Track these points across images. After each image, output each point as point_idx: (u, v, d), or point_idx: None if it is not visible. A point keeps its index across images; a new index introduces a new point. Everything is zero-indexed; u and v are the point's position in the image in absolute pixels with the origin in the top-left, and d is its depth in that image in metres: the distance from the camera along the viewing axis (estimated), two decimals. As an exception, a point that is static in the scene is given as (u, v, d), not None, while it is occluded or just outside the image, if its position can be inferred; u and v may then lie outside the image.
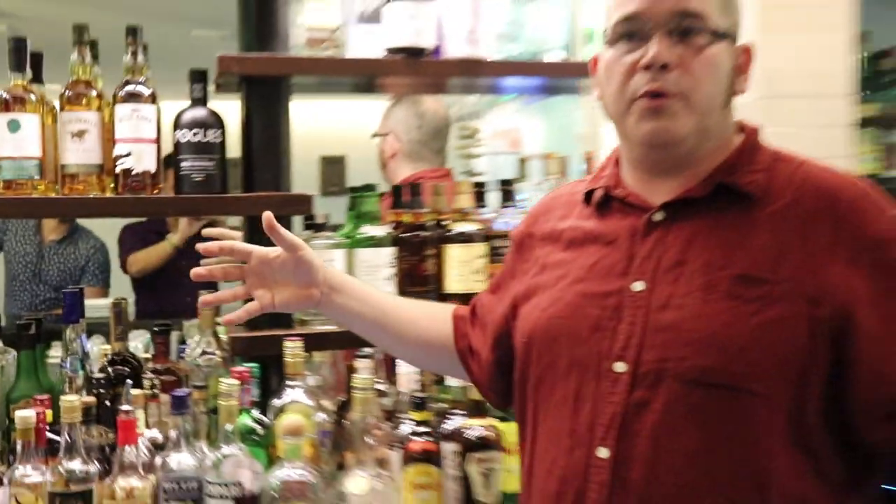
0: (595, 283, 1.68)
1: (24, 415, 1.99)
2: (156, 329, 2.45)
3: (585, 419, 1.60)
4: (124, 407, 2.04)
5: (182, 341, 2.68)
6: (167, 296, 4.68)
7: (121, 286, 5.03)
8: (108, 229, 4.99)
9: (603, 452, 1.56)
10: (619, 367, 1.58)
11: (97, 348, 2.54)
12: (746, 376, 1.50)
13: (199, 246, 1.96)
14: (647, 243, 1.64)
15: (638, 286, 1.61)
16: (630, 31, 1.62)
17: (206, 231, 2.46)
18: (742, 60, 1.68)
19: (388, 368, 2.47)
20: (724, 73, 1.64)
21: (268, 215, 1.82)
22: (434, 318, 2.05)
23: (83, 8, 3.31)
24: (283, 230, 1.87)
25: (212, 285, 4.46)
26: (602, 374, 1.60)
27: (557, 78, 2.66)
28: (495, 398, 2.06)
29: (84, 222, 5.06)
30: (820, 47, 2.42)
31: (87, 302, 2.78)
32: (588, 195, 1.79)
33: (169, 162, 2.43)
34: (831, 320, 1.50)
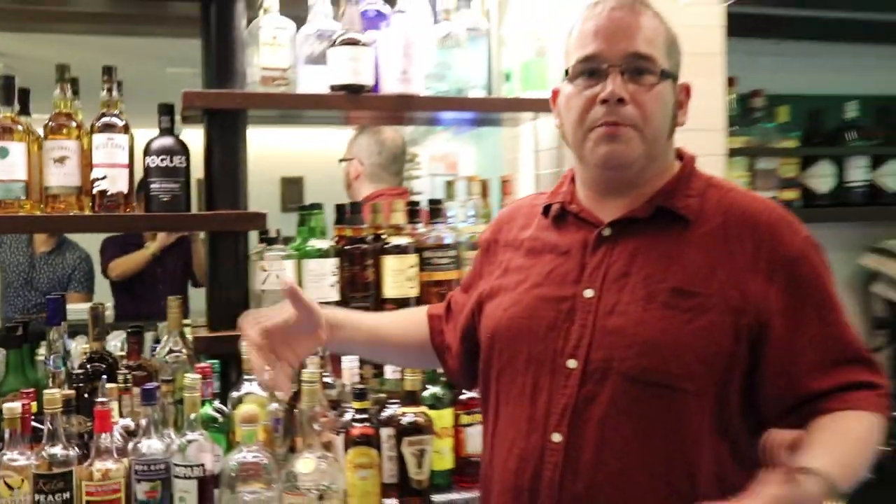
0: (551, 288, 1.76)
1: (11, 406, 2.05)
2: (129, 330, 2.52)
3: (542, 408, 1.68)
4: (100, 399, 2.10)
5: (157, 340, 2.72)
6: (143, 299, 4.81)
7: (102, 292, 5.08)
8: (91, 241, 5.05)
9: (556, 437, 1.64)
10: (572, 363, 1.66)
11: (80, 347, 2.58)
12: (679, 376, 1.60)
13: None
14: (597, 255, 1.73)
15: (588, 293, 1.70)
16: (589, 70, 1.70)
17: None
18: (682, 97, 1.79)
19: (334, 363, 2.54)
20: (669, 108, 1.73)
21: (292, 289, 1.83)
22: (414, 322, 2.12)
23: (71, 49, 3.42)
24: (302, 294, 1.86)
25: (183, 288, 4.62)
26: (556, 369, 1.68)
27: (479, 112, 2.76)
28: (465, 383, 2.19)
29: (69, 236, 5.09)
30: (700, 90, 2.54)
31: (72, 306, 2.79)
32: (546, 209, 1.87)
33: (142, 184, 2.50)
34: (751, 328, 1.61)
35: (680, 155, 1.83)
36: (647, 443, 1.60)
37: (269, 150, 6.59)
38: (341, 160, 3.78)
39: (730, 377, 1.62)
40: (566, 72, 1.76)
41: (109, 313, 4.74)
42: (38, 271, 5.04)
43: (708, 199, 1.73)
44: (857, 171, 3.52)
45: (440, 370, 2.25)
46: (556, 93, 1.83)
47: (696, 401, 1.61)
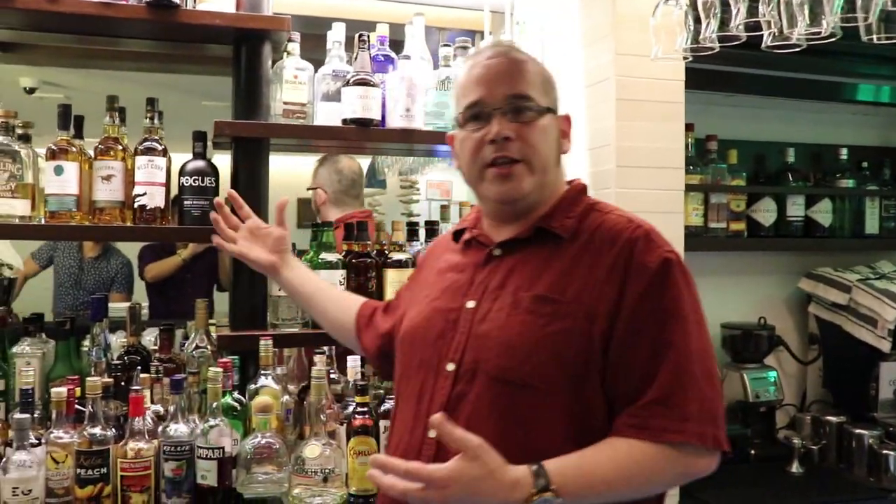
0: (445, 301, 1.75)
1: (59, 391, 2.06)
2: (162, 328, 2.50)
3: (425, 407, 1.66)
4: (134, 387, 2.11)
5: (186, 337, 2.70)
6: (174, 300, 4.75)
7: (140, 293, 5.07)
8: (132, 249, 5.05)
9: (432, 434, 1.59)
10: (450, 366, 1.65)
11: (119, 341, 2.57)
12: (531, 375, 1.56)
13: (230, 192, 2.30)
14: (484, 272, 1.72)
15: (470, 304, 1.69)
16: (475, 115, 1.69)
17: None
18: (565, 126, 1.75)
19: (339, 362, 2.51)
20: (552, 139, 1.70)
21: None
22: (346, 309, 2.16)
23: (121, 83, 3.41)
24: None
25: (209, 292, 4.58)
26: (439, 372, 1.67)
27: None
28: (381, 374, 2.28)
29: (113, 244, 5.11)
30: (661, 132, 2.50)
31: (114, 305, 2.82)
32: (455, 235, 1.88)
33: (176, 201, 2.50)
34: (603, 333, 1.55)
35: (570, 183, 1.80)
36: (507, 436, 1.54)
37: (289, 174, 6.61)
38: (309, 189, 3.76)
39: (585, 379, 1.56)
40: (456, 119, 1.75)
41: (145, 312, 4.73)
42: (86, 274, 5.02)
43: (588, 220, 1.69)
44: (795, 208, 3.52)
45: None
46: (451, 138, 1.82)
47: (548, 399, 1.56)
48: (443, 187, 5.56)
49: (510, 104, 1.67)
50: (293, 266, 2.23)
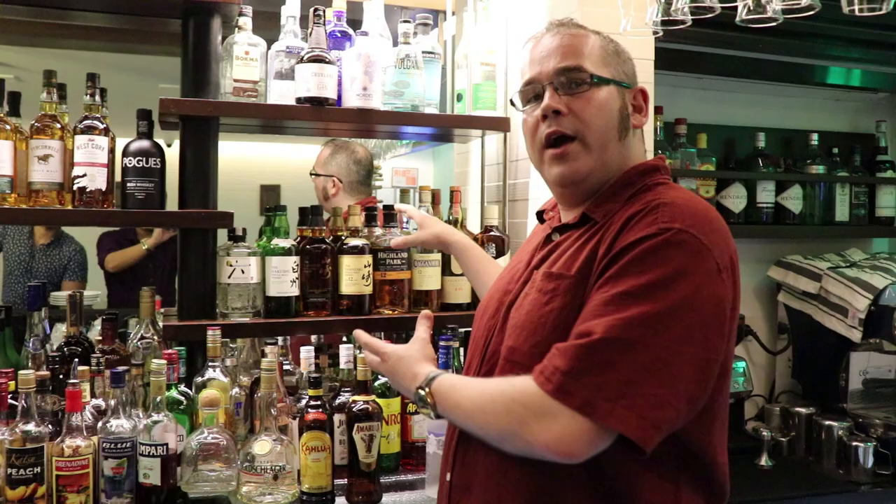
0: (504, 282, 1.73)
1: None
2: (104, 317, 2.40)
3: None
4: (71, 380, 2.02)
5: None
6: (134, 289, 4.66)
7: (97, 281, 5.01)
8: (88, 235, 4.97)
9: None
10: (485, 347, 1.64)
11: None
12: (533, 356, 1.47)
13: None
14: (539, 255, 1.67)
15: (517, 287, 1.65)
16: (530, 94, 1.65)
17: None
18: (638, 100, 1.66)
19: (294, 352, 2.46)
20: (611, 111, 1.60)
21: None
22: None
23: (74, 63, 3.29)
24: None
25: (172, 281, 4.46)
26: (481, 353, 1.65)
27: (431, 127, 2.66)
28: None
29: (66, 230, 5.02)
30: None
31: (56, 293, 2.77)
32: (538, 216, 1.85)
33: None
34: None
35: (642, 162, 1.66)
36: None
37: (251, 160, 6.54)
38: (314, 174, 3.65)
39: None
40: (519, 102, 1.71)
41: (103, 301, 4.64)
42: (37, 261, 4.93)
43: (631, 205, 1.54)
44: (765, 194, 3.48)
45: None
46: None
47: None
48: (409, 175, 5.47)
49: (559, 78, 1.61)
50: (457, 244, 2.30)
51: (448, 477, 1.66)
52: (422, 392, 1.58)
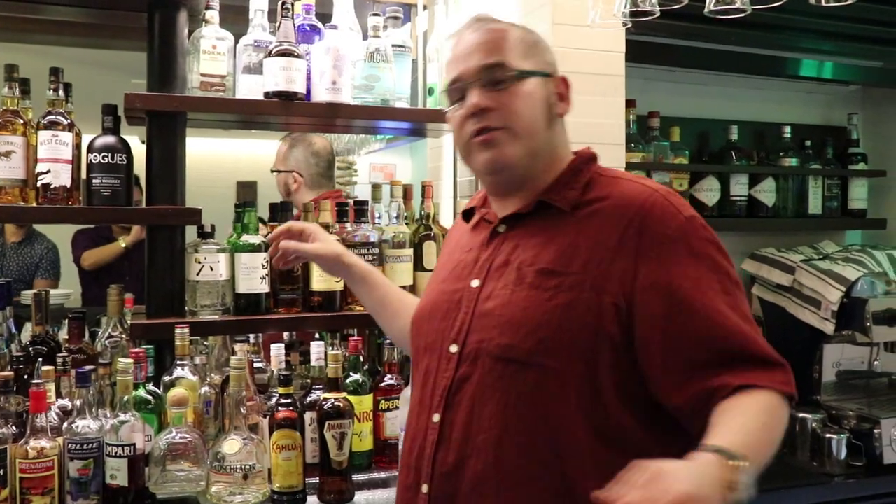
0: (451, 282, 1.69)
1: None
2: (71, 316, 2.36)
3: (429, 391, 1.62)
4: (35, 380, 1.99)
5: None
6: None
7: (71, 279, 4.95)
8: (60, 233, 4.91)
9: (436, 417, 1.57)
10: (453, 348, 1.59)
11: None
12: (536, 353, 1.48)
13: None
14: (489, 249, 1.65)
15: (474, 283, 1.62)
16: (455, 93, 1.64)
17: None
18: (560, 89, 1.66)
19: (266, 350, 2.42)
20: (537, 102, 1.61)
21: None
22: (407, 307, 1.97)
23: (45, 59, 3.21)
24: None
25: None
26: (442, 354, 1.61)
27: (401, 121, 2.62)
28: None
29: (37, 228, 4.96)
30: (601, 106, 2.44)
31: (26, 292, 2.69)
32: (465, 215, 1.83)
33: None
34: (617, 306, 1.47)
35: (576, 153, 1.71)
36: (512, 418, 1.50)
37: (226, 156, 6.48)
38: (274, 171, 3.61)
39: (597, 353, 1.48)
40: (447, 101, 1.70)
41: (76, 300, 4.58)
42: (9, 260, 4.87)
43: (592, 189, 1.60)
44: (739, 187, 3.48)
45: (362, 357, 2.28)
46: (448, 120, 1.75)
47: (557, 376, 1.49)
48: (386, 170, 5.44)
49: (485, 75, 1.60)
50: (356, 267, 2.05)
51: (425, 489, 1.58)
52: (743, 464, 1.30)
